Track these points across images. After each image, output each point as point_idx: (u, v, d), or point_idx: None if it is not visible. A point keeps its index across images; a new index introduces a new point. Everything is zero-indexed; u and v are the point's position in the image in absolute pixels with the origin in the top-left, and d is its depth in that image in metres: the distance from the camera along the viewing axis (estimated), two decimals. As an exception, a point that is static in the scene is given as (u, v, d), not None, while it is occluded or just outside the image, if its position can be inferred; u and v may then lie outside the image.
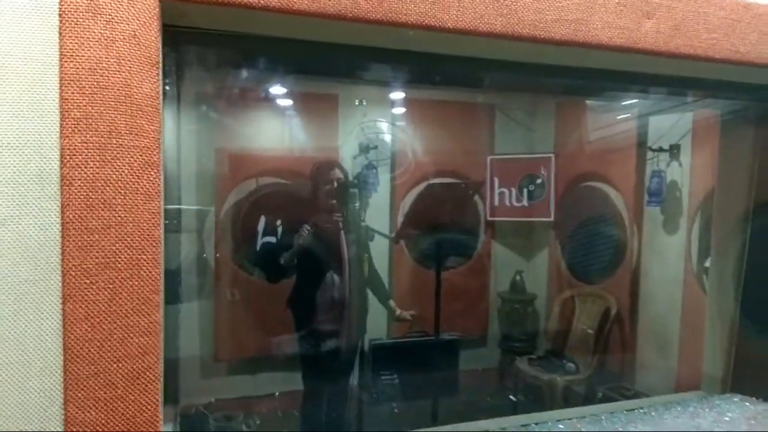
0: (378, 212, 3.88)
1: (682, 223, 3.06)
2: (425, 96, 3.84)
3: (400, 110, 4.00)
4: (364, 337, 3.03)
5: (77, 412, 0.74)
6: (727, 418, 1.49)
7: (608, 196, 3.60)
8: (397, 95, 3.81)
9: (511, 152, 4.16)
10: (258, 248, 3.55)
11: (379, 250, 3.50)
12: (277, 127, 3.69)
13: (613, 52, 1.01)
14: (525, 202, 4.10)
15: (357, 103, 3.90)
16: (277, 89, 3.17)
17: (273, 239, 3.45)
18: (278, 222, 3.42)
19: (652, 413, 1.52)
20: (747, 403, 1.61)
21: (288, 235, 3.17)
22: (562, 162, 3.90)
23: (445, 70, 1.14)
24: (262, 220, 3.57)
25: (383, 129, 3.98)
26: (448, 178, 4.01)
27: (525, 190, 4.10)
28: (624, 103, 2.92)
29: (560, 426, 1.41)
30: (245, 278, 3.60)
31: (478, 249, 4.24)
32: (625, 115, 3.39)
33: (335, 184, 2.78)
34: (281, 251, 2.77)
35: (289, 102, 3.57)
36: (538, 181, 4.04)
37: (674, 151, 3.11)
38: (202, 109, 3.03)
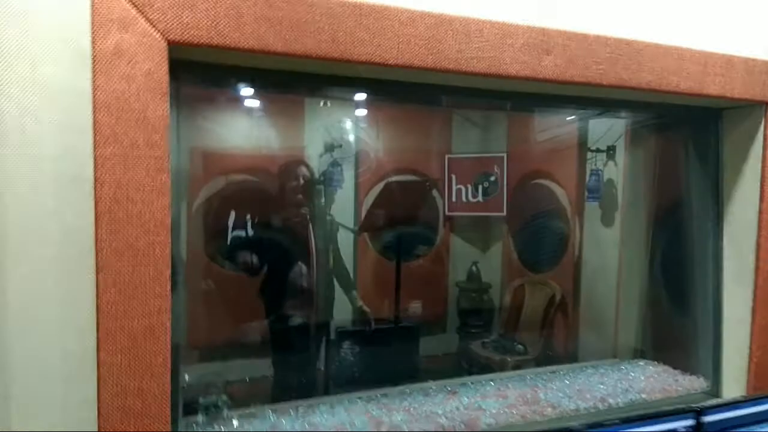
0: (343, 207, 4.12)
1: (617, 216, 3.39)
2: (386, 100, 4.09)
3: (363, 112, 4.24)
4: (330, 325, 3.26)
5: (107, 357, 0.99)
6: (630, 377, 1.80)
7: (554, 193, 3.92)
8: (360, 97, 4.04)
9: (467, 152, 4.44)
10: (228, 242, 3.74)
11: (345, 243, 3.74)
12: (247, 128, 3.88)
13: (523, 81, 1.29)
14: (480, 198, 4.38)
15: (322, 105, 4.13)
16: (248, 94, 3.37)
17: (243, 233, 3.64)
18: (248, 217, 3.61)
19: (570, 374, 1.82)
20: (650, 367, 1.93)
21: (257, 229, 3.40)
22: (513, 161, 4.21)
23: (395, 91, 1.41)
24: (232, 215, 3.75)
25: (347, 129, 4.22)
26: (409, 176, 4.29)
27: (480, 187, 4.38)
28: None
29: (491, 383, 1.69)
30: (217, 270, 3.78)
31: (437, 242, 4.52)
32: (569, 118, 3.70)
33: (302, 181, 2.99)
34: (251, 245, 2.97)
35: (258, 104, 3.77)
36: (492, 178, 4.33)
37: (611, 152, 3.44)
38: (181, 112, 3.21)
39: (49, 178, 0.95)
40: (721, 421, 1.05)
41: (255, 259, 2.97)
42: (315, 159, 4.08)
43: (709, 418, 1.03)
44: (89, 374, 0.99)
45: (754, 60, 1.56)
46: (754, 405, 1.09)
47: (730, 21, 1.56)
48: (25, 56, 0.92)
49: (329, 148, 4.11)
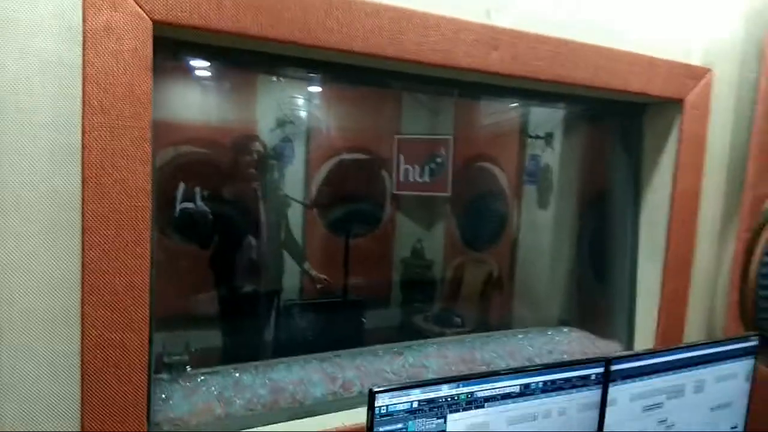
0: (293, 183, 4.19)
1: (552, 199, 3.62)
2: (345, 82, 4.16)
3: (315, 89, 4.29)
4: (279, 297, 3.36)
5: (91, 310, 1.07)
6: (555, 341, 2.02)
7: (495, 175, 4.14)
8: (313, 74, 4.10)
9: (415, 133, 4.59)
10: (176, 214, 3.74)
11: (295, 218, 3.83)
12: (200, 100, 3.87)
13: (472, 72, 1.44)
14: (427, 179, 4.55)
15: (275, 79, 4.17)
16: (203, 70, 3.37)
17: (191, 205, 3.66)
18: (197, 189, 3.63)
19: (503, 339, 2.01)
20: (573, 333, 2.15)
21: (207, 201, 3.43)
22: (459, 144, 4.39)
23: (354, 75, 1.52)
24: (181, 187, 3.75)
25: (299, 105, 4.27)
26: (359, 154, 4.41)
27: (427, 168, 4.54)
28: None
29: (433, 346, 1.86)
30: (164, 241, 3.79)
31: (384, 219, 4.68)
32: (512, 105, 3.90)
33: (254, 156, 3.05)
34: (200, 217, 3.01)
35: (211, 78, 3.77)
36: (438, 160, 4.50)
37: (549, 138, 3.67)
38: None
39: (40, 144, 1.02)
40: (627, 369, 1.25)
41: (205, 231, 3.02)
42: (266, 134, 4.12)
43: (616, 366, 1.23)
44: (74, 327, 1.08)
45: (673, 62, 1.76)
46: (654, 357, 1.29)
47: (656, 26, 1.75)
48: (20, 29, 0.99)
49: (281, 123, 4.17)
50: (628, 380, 1.23)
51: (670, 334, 1.89)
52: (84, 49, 1.03)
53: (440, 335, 3.91)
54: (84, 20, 1.02)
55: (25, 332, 1.05)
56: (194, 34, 1.18)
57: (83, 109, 1.03)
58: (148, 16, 1.07)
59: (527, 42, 1.47)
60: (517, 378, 1.10)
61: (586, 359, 1.20)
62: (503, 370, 1.09)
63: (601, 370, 1.19)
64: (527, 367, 1.12)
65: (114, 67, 1.05)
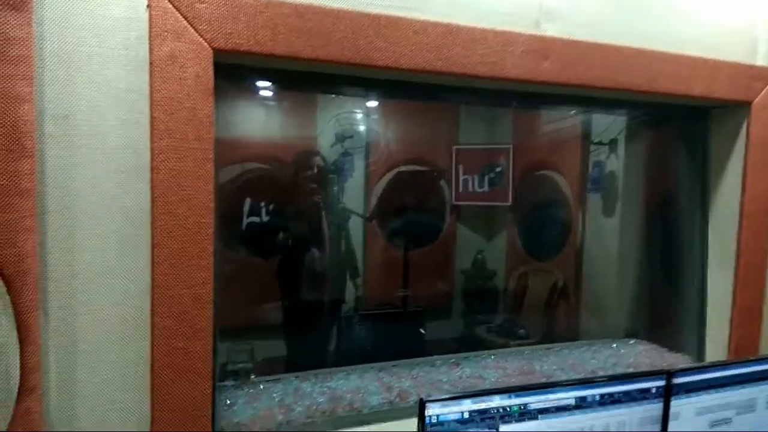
0: (353, 196, 4.26)
1: (617, 207, 3.52)
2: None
3: (373, 103, 4.37)
4: (341, 307, 3.41)
5: (160, 321, 1.15)
6: (620, 353, 1.96)
7: (557, 184, 4.06)
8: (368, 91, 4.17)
9: (474, 143, 4.58)
10: (243, 228, 3.89)
11: (355, 230, 3.90)
12: (263, 119, 4.02)
13: (523, 83, 1.44)
14: (486, 188, 4.52)
15: (334, 96, 4.27)
16: (266, 90, 3.49)
17: (257, 219, 3.80)
18: (262, 203, 3.76)
19: (565, 351, 1.98)
20: (640, 345, 2.08)
21: (272, 215, 3.55)
22: (518, 153, 4.34)
23: (406, 91, 1.56)
24: (248, 202, 3.90)
25: (358, 120, 4.35)
26: (417, 165, 4.44)
27: (486, 178, 4.52)
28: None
29: (491, 357, 1.85)
30: (232, 254, 3.94)
31: (444, 230, 4.67)
32: (572, 112, 3.83)
33: (315, 170, 3.14)
34: (266, 231, 3.12)
35: (274, 97, 3.90)
36: (498, 169, 4.47)
37: (612, 144, 3.57)
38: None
39: (112, 165, 1.11)
40: (690, 382, 1.20)
41: (270, 243, 3.13)
42: (326, 149, 4.22)
43: (679, 380, 1.19)
44: (144, 336, 1.16)
45: (738, 63, 1.69)
46: (720, 370, 1.24)
47: (717, 26, 1.69)
48: (93, 61, 1.08)
49: (340, 138, 4.26)
50: (693, 393, 1.19)
51: (743, 347, 1.80)
52: (151, 77, 1.11)
53: (503, 346, 3.86)
54: (150, 50, 1.10)
55: (100, 341, 1.13)
56: (253, 59, 1.25)
57: (151, 133, 1.12)
58: (209, 45, 1.14)
59: (579, 50, 1.46)
60: (573, 390, 1.09)
61: (646, 372, 1.16)
62: (558, 381, 1.07)
63: (662, 383, 1.16)
64: (583, 379, 1.10)
65: (178, 93, 1.13)
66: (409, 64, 1.30)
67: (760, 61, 1.73)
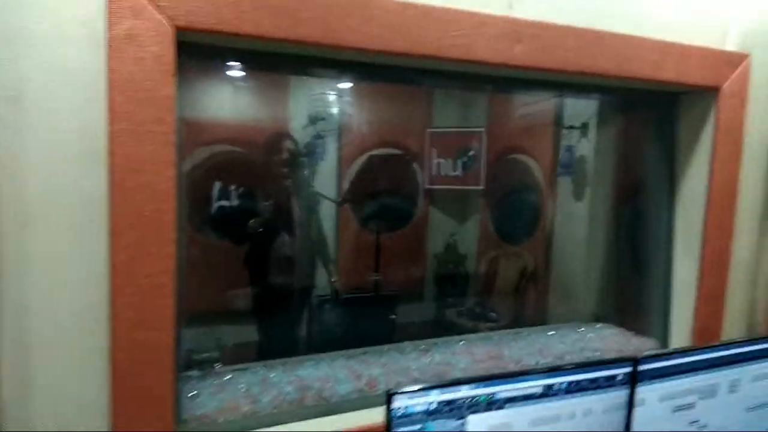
0: (327, 179, 4.22)
1: (587, 191, 3.54)
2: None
3: (346, 85, 4.30)
4: (311, 292, 3.38)
5: (120, 311, 1.11)
6: (587, 338, 1.98)
7: (529, 168, 4.07)
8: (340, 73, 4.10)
9: (447, 126, 4.56)
10: (213, 211, 3.81)
11: (327, 214, 3.86)
12: (232, 100, 3.93)
13: (496, 66, 1.42)
14: (459, 172, 4.52)
15: (306, 78, 4.19)
16: (236, 70, 3.40)
17: (227, 203, 3.72)
18: (232, 187, 3.69)
19: (533, 335, 1.99)
20: (606, 329, 2.10)
21: (242, 199, 3.49)
22: (491, 136, 4.34)
23: (379, 73, 1.52)
24: (217, 185, 3.82)
25: (331, 102, 4.29)
26: (391, 149, 4.40)
27: (459, 161, 4.51)
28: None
29: (461, 343, 1.85)
30: (200, 238, 3.86)
31: (417, 214, 4.66)
32: (545, 97, 3.82)
33: (286, 153, 3.08)
34: (236, 214, 3.06)
35: (244, 77, 3.81)
36: (471, 153, 4.46)
37: (584, 128, 3.59)
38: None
39: (67, 151, 1.06)
40: (656, 368, 1.21)
41: (239, 227, 3.07)
42: (298, 131, 4.15)
43: (644, 366, 1.20)
44: (103, 327, 1.11)
45: (708, 48, 1.70)
46: (685, 356, 1.25)
47: (689, 11, 1.69)
48: (44, 40, 1.02)
49: (313, 120, 4.19)
50: (657, 380, 1.20)
51: (707, 331, 1.83)
52: (108, 56, 1.05)
53: (474, 330, 3.90)
54: (108, 28, 1.04)
55: (55, 333, 1.09)
56: (218, 39, 1.20)
57: (108, 116, 1.06)
58: (170, 23, 1.09)
59: (552, 33, 1.44)
60: (540, 378, 1.08)
61: (613, 359, 1.17)
62: (525, 370, 1.07)
63: (628, 370, 1.16)
64: (550, 367, 1.10)
65: (137, 73, 1.07)
66: (381, 45, 1.26)
67: (728, 46, 1.73)
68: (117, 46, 1.05)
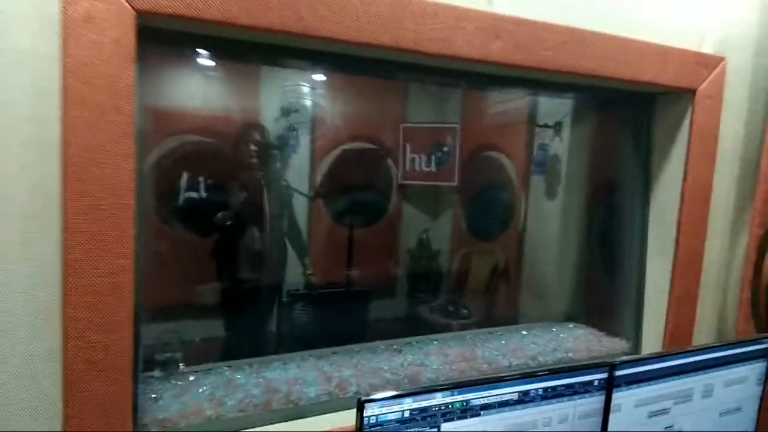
0: (299, 172, 4.14)
1: (560, 190, 3.55)
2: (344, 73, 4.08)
3: (320, 77, 4.23)
4: (281, 288, 3.32)
5: (72, 312, 1.04)
6: (559, 338, 1.97)
7: (503, 165, 4.07)
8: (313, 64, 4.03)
9: (422, 121, 4.51)
10: (180, 203, 3.70)
11: (300, 208, 3.79)
12: (202, 89, 3.82)
13: (474, 62, 1.38)
14: (433, 168, 4.49)
15: (278, 68, 4.10)
16: (205, 58, 3.30)
17: (195, 194, 3.62)
18: (200, 178, 3.59)
19: (506, 335, 1.97)
20: (578, 329, 2.10)
21: (211, 191, 3.40)
22: (466, 133, 4.32)
23: (353, 66, 1.47)
24: (185, 176, 3.71)
25: (304, 93, 4.20)
26: (364, 143, 4.35)
27: (433, 157, 4.47)
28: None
29: (434, 343, 1.82)
30: (167, 230, 3.76)
31: (390, 209, 4.62)
32: (520, 94, 3.81)
33: (257, 145, 3.00)
34: (204, 207, 2.97)
35: (215, 66, 3.71)
36: (445, 149, 4.43)
37: (557, 127, 3.59)
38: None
39: (17, 140, 0.98)
40: (632, 374, 1.20)
41: (207, 219, 2.99)
42: (270, 123, 4.06)
43: (621, 372, 1.18)
44: (55, 328, 1.04)
45: (685, 50, 1.69)
46: (661, 361, 1.24)
47: (667, 13, 1.68)
48: (-8, 19, 0.94)
49: (285, 112, 4.11)
50: (633, 386, 1.18)
51: (679, 333, 1.83)
52: (63, 40, 0.98)
53: (446, 327, 3.88)
54: (63, 9, 0.97)
55: (4, 334, 1.02)
56: (183, 24, 1.13)
57: (63, 103, 0.99)
58: (131, 6, 1.02)
59: (531, 30, 1.41)
60: (516, 385, 1.06)
61: (589, 364, 1.15)
62: (500, 376, 1.04)
63: (604, 375, 1.14)
64: (526, 373, 1.07)
65: (94, 58, 1.00)
66: (354, 36, 1.21)
67: (705, 49, 1.73)
68: (73, 29, 0.98)
